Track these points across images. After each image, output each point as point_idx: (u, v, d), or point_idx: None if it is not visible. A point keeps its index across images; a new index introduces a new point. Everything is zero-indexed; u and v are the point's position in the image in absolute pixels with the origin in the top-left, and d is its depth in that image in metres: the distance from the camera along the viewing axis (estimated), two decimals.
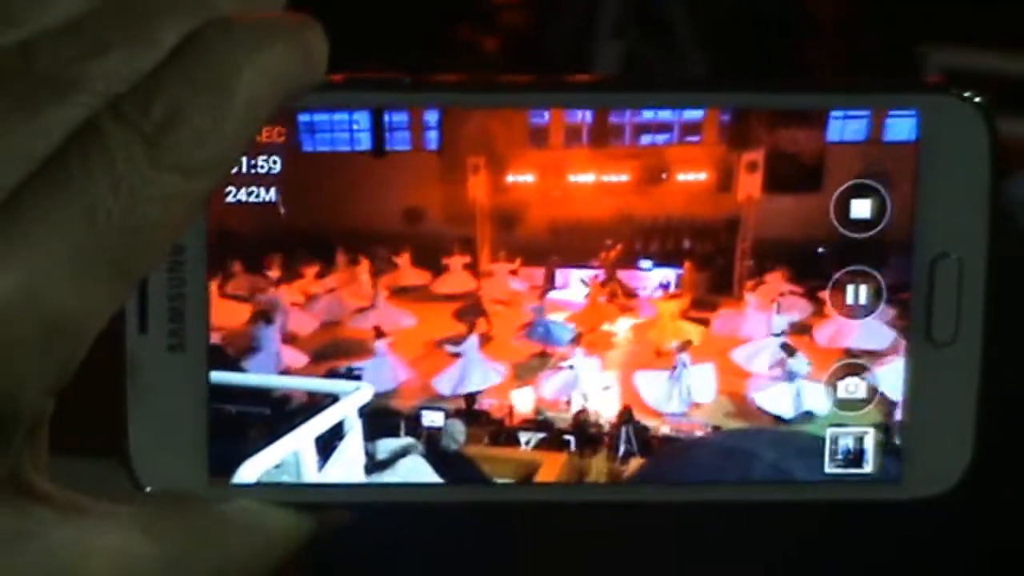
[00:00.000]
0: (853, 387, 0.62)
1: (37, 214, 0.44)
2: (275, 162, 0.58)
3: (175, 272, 0.56)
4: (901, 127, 0.58)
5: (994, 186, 0.58)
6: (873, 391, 0.61)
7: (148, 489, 0.56)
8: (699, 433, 0.62)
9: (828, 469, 0.61)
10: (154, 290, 0.56)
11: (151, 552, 0.51)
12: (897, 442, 0.60)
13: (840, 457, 0.61)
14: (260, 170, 0.58)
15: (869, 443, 0.61)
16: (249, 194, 0.58)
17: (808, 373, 0.62)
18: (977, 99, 0.57)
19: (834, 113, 0.59)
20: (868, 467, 0.61)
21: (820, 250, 0.61)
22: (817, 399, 0.62)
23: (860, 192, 0.60)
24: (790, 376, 0.63)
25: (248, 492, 0.57)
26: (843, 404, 0.62)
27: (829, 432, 0.61)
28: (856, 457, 0.61)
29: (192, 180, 0.45)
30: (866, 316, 0.61)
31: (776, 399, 0.63)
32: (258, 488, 0.58)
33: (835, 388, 0.62)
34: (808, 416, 0.62)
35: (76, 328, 0.45)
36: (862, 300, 0.61)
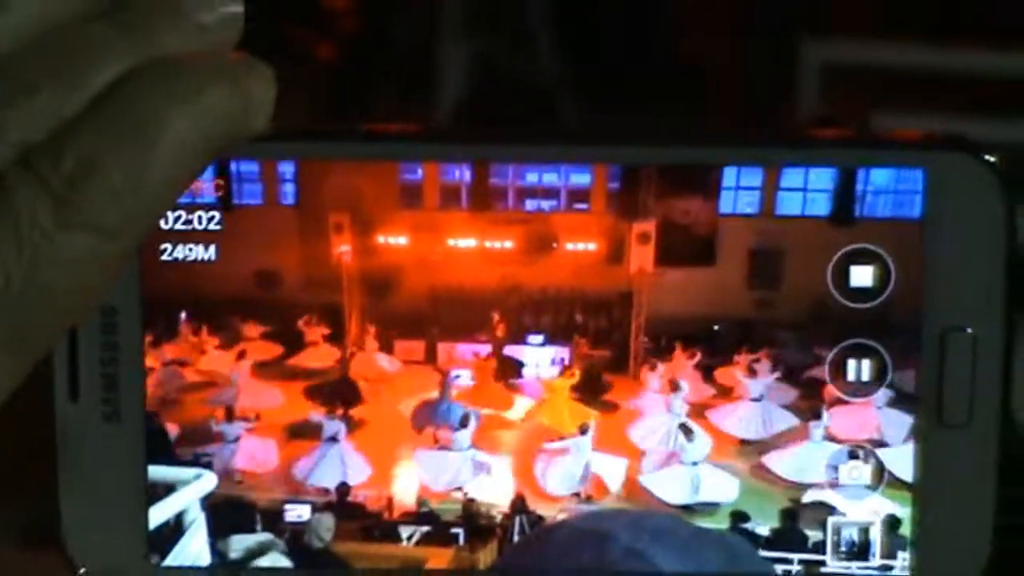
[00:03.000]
0: (856, 473, 0.55)
1: None
2: (212, 218, 0.53)
3: (107, 335, 0.52)
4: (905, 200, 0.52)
5: (1010, 255, 0.51)
6: (878, 477, 0.55)
7: (83, 570, 0.52)
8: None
9: (831, 564, 0.55)
10: (85, 355, 0.52)
11: None
12: (907, 534, 0.54)
13: (843, 550, 0.55)
14: (198, 227, 0.53)
15: (876, 535, 0.54)
16: (187, 252, 0.53)
17: (706, 456, 0.56)
18: (986, 159, 0.51)
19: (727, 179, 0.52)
20: (874, 561, 0.54)
21: (716, 327, 0.54)
22: (722, 485, 0.56)
23: (859, 259, 0.53)
24: (686, 459, 0.57)
25: (187, 572, 0.54)
26: (846, 492, 0.55)
27: (831, 522, 0.55)
28: (861, 550, 0.54)
29: (107, 241, 0.39)
30: (865, 395, 0.54)
31: (671, 483, 0.56)
32: (194, 570, 0.54)
33: (836, 471, 0.55)
34: (708, 505, 0.56)
35: None
36: (864, 377, 0.54)
